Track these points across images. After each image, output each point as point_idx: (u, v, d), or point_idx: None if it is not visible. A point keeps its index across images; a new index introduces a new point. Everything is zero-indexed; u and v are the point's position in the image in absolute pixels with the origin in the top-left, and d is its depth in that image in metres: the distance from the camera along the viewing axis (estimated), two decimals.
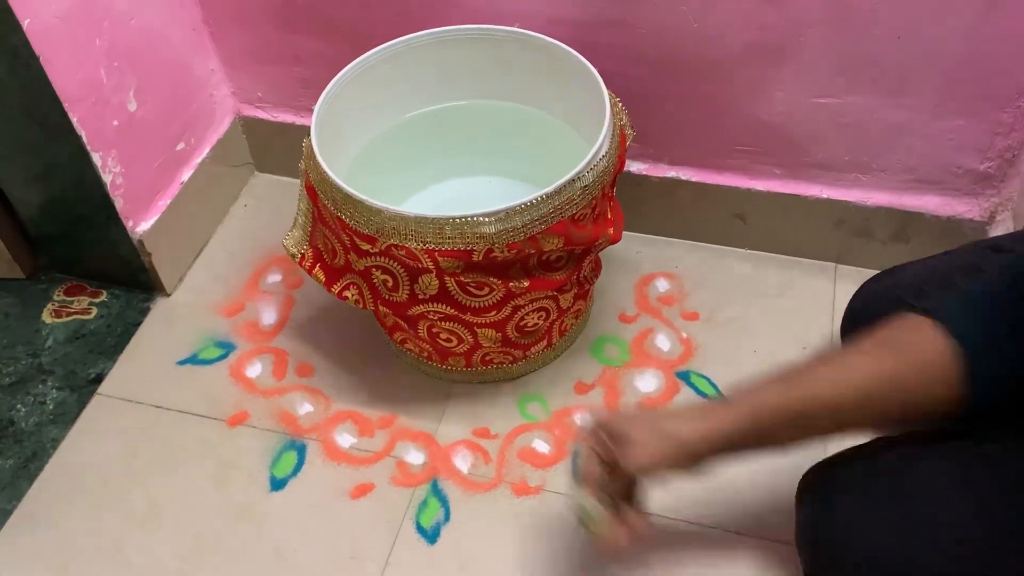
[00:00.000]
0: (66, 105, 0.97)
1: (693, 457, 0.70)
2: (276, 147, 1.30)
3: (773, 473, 0.91)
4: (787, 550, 0.89)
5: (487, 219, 0.84)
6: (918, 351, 0.66)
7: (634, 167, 1.14)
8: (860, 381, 0.68)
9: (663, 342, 1.10)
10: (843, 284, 1.04)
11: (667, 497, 0.96)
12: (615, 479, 0.72)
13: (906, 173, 1.06)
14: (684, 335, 1.11)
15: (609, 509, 0.72)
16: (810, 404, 0.68)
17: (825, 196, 1.10)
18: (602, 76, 0.96)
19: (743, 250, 1.19)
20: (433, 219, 0.84)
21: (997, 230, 1.05)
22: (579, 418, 1.02)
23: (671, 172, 1.14)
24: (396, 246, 0.86)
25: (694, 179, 1.13)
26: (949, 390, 0.65)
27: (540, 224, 0.86)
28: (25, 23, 0.90)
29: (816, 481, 0.78)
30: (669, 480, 0.71)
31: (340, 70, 0.99)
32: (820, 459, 0.79)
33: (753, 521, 0.94)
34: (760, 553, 0.92)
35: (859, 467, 0.75)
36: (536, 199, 0.85)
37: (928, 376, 0.66)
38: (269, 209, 1.30)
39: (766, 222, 1.15)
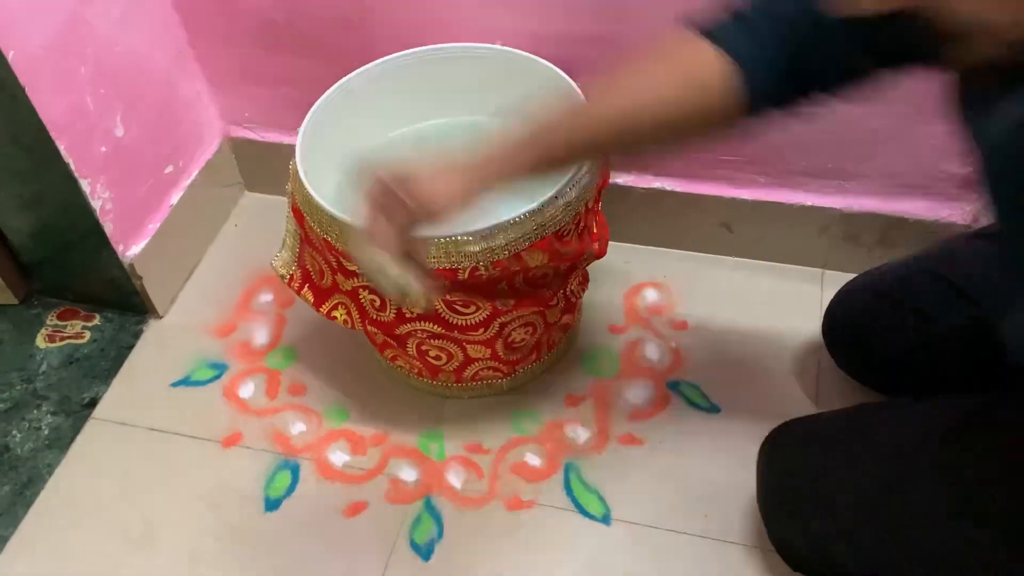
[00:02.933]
0: (53, 133, 0.98)
1: (483, 181, 0.70)
2: (265, 167, 1.30)
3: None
4: (773, 557, 0.90)
5: (471, 238, 0.85)
6: (690, 65, 0.68)
7: (620, 178, 1.15)
8: (640, 100, 0.69)
9: (653, 352, 1.11)
10: (830, 290, 1.04)
11: (650, 507, 0.97)
12: (403, 233, 0.68)
13: (889, 179, 1.07)
14: (673, 345, 1.11)
15: (408, 269, 0.68)
16: (595, 125, 0.71)
17: (810, 203, 1.11)
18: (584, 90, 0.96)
19: (731, 258, 1.19)
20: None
21: None
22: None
23: (656, 183, 1.15)
24: None
25: (679, 189, 1.14)
26: (725, 102, 0.68)
27: (524, 241, 0.87)
28: (10, 55, 0.91)
29: (768, 444, 0.88)
30: (454, 217, 0.69)
31: (326, 88, 1.00)
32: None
33: (738, 527, 0.95)
34: (748, 558, 0.93)
35: (803, 425, 0.87)
36: (519, 217, 0.86)
37: (704, 91, 0.68)
38: (260, 228, 1.31)
39: (752, 230, 1.16)
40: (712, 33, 0.68)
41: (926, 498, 0.74)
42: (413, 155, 0.70)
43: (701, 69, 0.68)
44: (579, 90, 0.96)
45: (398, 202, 0.67)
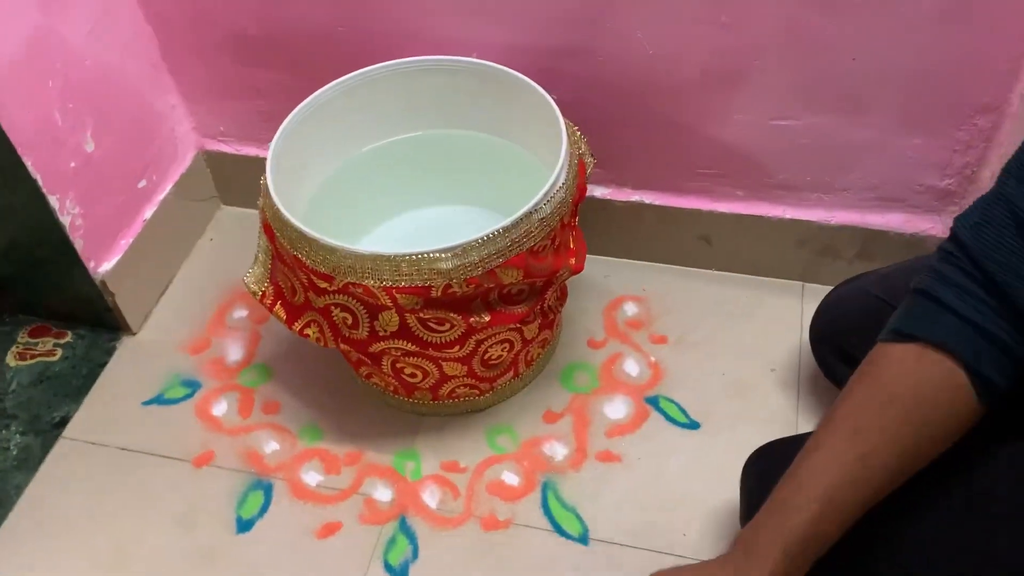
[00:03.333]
0: (19, 149, 0.96)
1: None
2: (241, 180, 1.29)
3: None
4: None
5: (443, 255, 0.84)
6: (925, 393, 0.61)
7: (598, 191, 1.14)
8: (888, 461, 0.61)
9: (632, 367, 1.10)
10: (810, 303, 1.04)
11: (628, 526, 0.95)
12: None
13: (868, 191, 1.06)
14: (653, 359, 1.10)
15: None
16: (848, 507, 0.62)
17: (788, 216, 1.10)
18: (562, 104, 0.95)
19: (710, 271, 1.19)
20: (389, 257, 0.84)
21: None
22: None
23: (635, 196, 1.14)
24: (354, 284, 0.85)
25: (658, 202, 1.13)
26: (969, 411, 0.61)
27: (498, 258, 0.85)
28: None
29: (754, 465, 0.82)
30: None
31: (301, 100, 0.99)
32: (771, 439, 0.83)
33: (719, 545, 0.93)
34: None
35: (790, 448, 0.74)
36: (493, 233, 0.85)
37: (947, 413, 0.61)
38: (235, 243, 1.29)
39: (731, 243, 1.15)
40: (910, 331, 0.62)
41: (928, 526, 0.68)
42: None
43: (920, 387, 0.61)
44: (557, 109, 0.94)
45: None
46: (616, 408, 1.06)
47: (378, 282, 0.85)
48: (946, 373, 0.61)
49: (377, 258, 0.84)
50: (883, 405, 0.62)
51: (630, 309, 1.16)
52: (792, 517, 0.62)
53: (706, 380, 1.08)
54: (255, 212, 1.30)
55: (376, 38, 1.06)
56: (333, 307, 0.91)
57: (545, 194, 0.87)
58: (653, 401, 1.06)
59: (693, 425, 1.04)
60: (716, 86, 1.00)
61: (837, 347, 0.95)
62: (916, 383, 0.61)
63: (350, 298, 0.88)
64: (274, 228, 0.91)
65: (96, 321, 1.18)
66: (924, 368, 0.61)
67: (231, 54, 1.14)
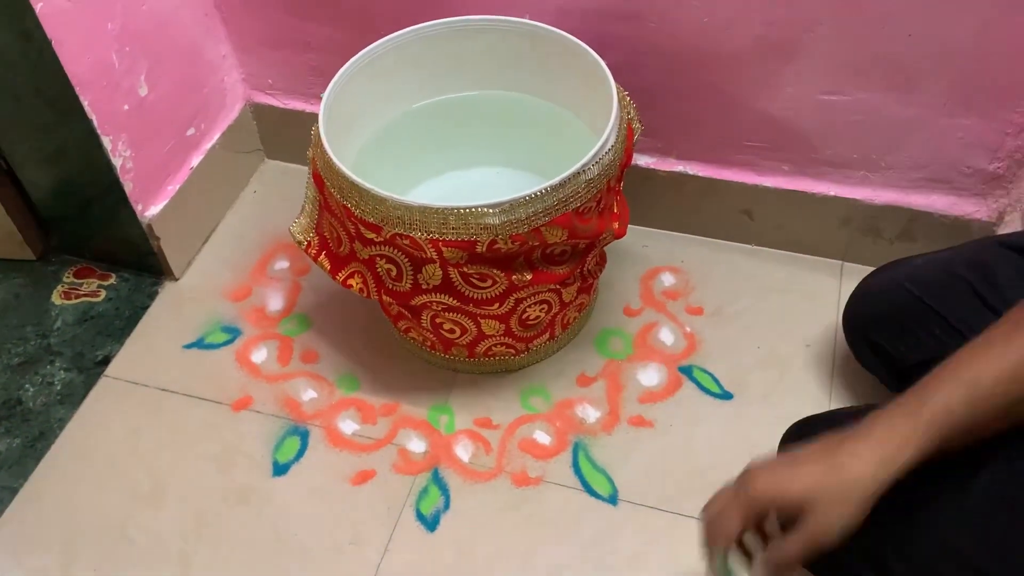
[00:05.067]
0: (77, 88, 0.98)
1: (878, 496, 0.63)
2: (286, 134, 1.30)
3: None
4: None
5: (491, 210, 0.85)
6: None
7: (642, 160, 1.14)
8: None
9: (667, 336, 1.11)
10: (848, 282, 1.04)
11: (657, 489, 0.97)
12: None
13: (914, 171, 1.05)
14: (688, 329, 1.11)
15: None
16: (988, 395, 0.62)
17: (833, 193, 1.10)
18: (611, 68, 0.95)
19: (749, 246, 1.19)
20: (437, 209, 0.85)
21: (1005, 231, 1.04)
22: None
23: (679, 166, 1.14)
24: (400, 235, 0.87)
25: (702, 174, 1.13)
26: None
27: (544, 216, 0.86)
28: (38, 6, 0.91)
29: (791, 440, 0.82)
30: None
31: (350, 57, 0.99)
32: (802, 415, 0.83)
33: None
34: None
35: (826, 429, 0.74)
36: (540, 191, 0.85)
37: None
38: (278, 196, 1.31)
39: (773, 218, 1.15)
40: None
41: (964, 518, 0.67)
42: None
43: None
44: (608, 72, 0.95)
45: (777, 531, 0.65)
46: (650, 375, 1.07)
47: (425, 234, 0.86)
48: None
49: (426, 210, 0.85)
50: None
51: (667, 280, 1.17)
52: (935, 395, 0.61)
53: (740, 352, 1.08)
54: (298, 167, 1.33)
55: None
56: (378, 258, 0.92)
57: (593, 156, 0.88)
58: (687, 370, 1.07)
59: (726, 396, 1.05)
60: (768, 57, 1.00)
61: (867, 338, 0.95)
62: None
63: (396, 250, 0.89)
64: (324, 177, 0.92)
65: (140, 265, 1.21)
66: None
67: (284, 6, 1.14)
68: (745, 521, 0.66)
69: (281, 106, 1.27)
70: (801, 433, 0.83)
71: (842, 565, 0.74)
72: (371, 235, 0.89)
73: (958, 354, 0.64)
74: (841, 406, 1.00)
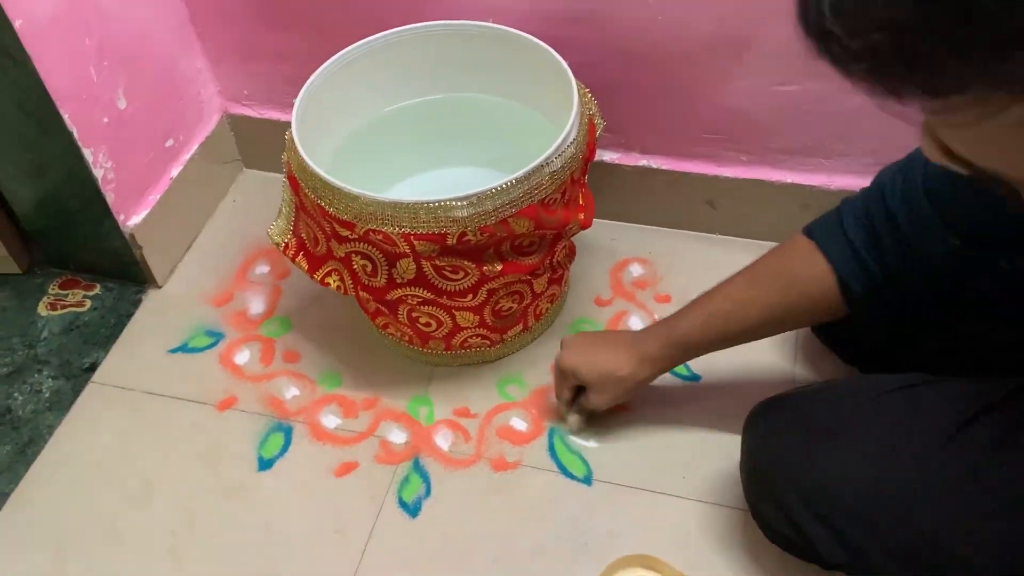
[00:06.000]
0: (57, 102, 1.01)
1: (637, 388, 0.95)
2: (263, 144, 1.34)
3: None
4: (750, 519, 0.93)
5: (459, 203, 0.88)
6: (805, 282, 0.82)
7: (607, 156, 1.18)
8: (758, 314, 0.86)
9: (637, 324, 1.14)
10: None
11: (630, 469, 1.00)
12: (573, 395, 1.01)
13: (868, 156, 1.10)
14: (656, 317, 1.14)
15: (575, 412, 1.02)
16: (717, 326, 0.88)
17: (790, 180, 1.14)
18: (573, 68, 1.00)
19: (714, 235, 1.23)
20: (408, 204, 0.88)
21: None
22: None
23: (643, 160, 1.18)
24: (374, 231, 0.90)
25: (665, 167, 1.18)
26: (832, 309, 0.82)
27: (511, 208, 0.90)
28: (17, 23, 0.94)
29: (756, 419, 0.87)
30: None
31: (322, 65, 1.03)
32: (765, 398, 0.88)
33: (716, 489, 0.98)
34: (726, 519, 0.96)
35: (792, 407, 0.85)
36: (506, 184, 0.89)
37: (814, 302, 0.82)
38: (257, 204, 1.34)
39: (735, 207, 1.19)
40: (816, 236, 0.82)
41: (940, 497, 0.71)
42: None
43: (804, 276, 0.81)
44: (568, 70, 0.99)
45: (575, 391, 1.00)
46: None
47: (397, 229, 0.89)
48: (824, 273, 0.80)
49: (397, 205, 0.89)
50: (775, 274, 0.85)
51: (636, 270, 1.21)
52: (686, 320, 0.90)
53: None
54: (276, 176, 1.35)
55: (398, 4, 1.10)
56: (354, 255, 0.95)
57: (556, 149, 0.92)
58: None
59: (694, 377, 1.08)
60: (722, 52, 1.04)
61: None
62: (803, 271, 0.82)
63: (370, 246, 0.93)
64: (299, 179, 0.96)
65: (124, 274, 1.24)
66: (813, 263, 0.81)
67: (257, 17, 1.18)
68: (562, 384, 1.00)
69: (257, 116, 1.31)
70: (766, 411, 0.87)
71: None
72: (345, 232, 0.92)
73: (712, 288, 0.89)
74: (804, 384, 1.04)
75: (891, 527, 0.72)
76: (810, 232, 0.83)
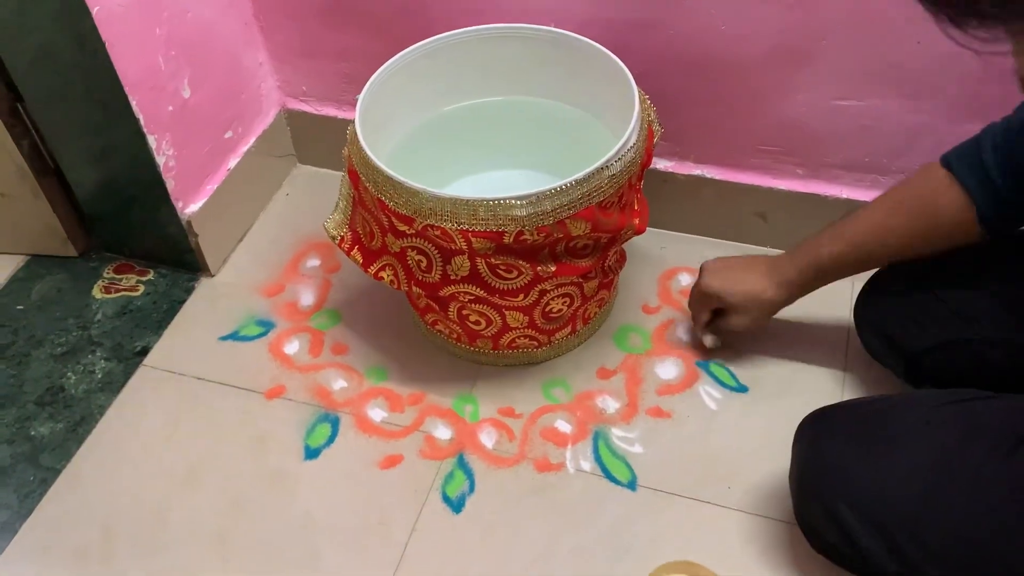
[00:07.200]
0: (127, 89, 1.04)
1: (775, 310, 1.02)
2: (318, 140, 1.36)
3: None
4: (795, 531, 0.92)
5: (519, 202, 0.89)
6: (943, 211, 0.85)
7: (661, 164, 1.19)
8: (897, 242, 0.90)
9: (684, 332, 1.15)
10: (860, 283, 1.07)
11: (675, 477, 1.00)
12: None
13: None
14: None
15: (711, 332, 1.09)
16: (855, 254, 0.92)
17: (844, 196, 1.14)
18: (633, 75, 1.00)
19: (764, 248, 1.23)
20: (468, 201, 0.89)
21: None
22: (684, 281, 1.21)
23: (696, 170, 1.19)
24: (432, 226, 0.91)
25: (718, 177, 1.18)
26: (970, 236, 0.85)
27: (569, 209, 0.91)
28: (95, 10, 0.96)
29: (808, 428, 0.86)
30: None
31: (381, 65, 1.05)
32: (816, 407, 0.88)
33: (760, 501, 0.98)
34: (771, 530, 0.95)
35: (845, 417, 0.84)
36: (566, 185, 0.90)
37: (952, 231, 0.86)
38: (309, 199, 1.36)
39: (787, 221, 1.19)
40: (952, 165, 0.85)
41: (996, 510, 0.71)
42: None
43: (938, 203, 0.86)
44: (630, 75, 1.00)
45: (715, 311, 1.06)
46: (667, 369, 1.11)
47: (455, 225, 0.90)
48: (961, 205, 0.84)
49: (456, 202, 0.90)
50: (916, 201, 0.89)
51: (684, 279, 1.21)
52: (825, 246, 0.94)
53: (755, 348, 1.12)
54: (328, 171, 1.39)
55: (457, 5, 1.12)
56: (409, 250, 0.96)
57: (616, 152, 0.93)
58: (703, 365, 1.11)
59: (741, 389, 1.08)
60: (783, 64, 1.04)
61: (878, 330, 0.99)
62: (941, 199, 0.86)
63: (426, 241, 0.94)
64: (360, 173, 0.97)
65: (177, 262, 1.26)
66: (951, 192, 0.85)
67: (319, 16, 1.20)
68: (702, 306, 1.06)
69: (314, 112, 1.33)
70: (818, 421, 0.87)
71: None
72: (403, 227, 0.94)
73: (848, 216, 0.93)
74: (853, 397, 1.04)
75: (945, 539, 0.72)
76: (948, 163, 0.86)
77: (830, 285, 1.18)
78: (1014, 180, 0.80)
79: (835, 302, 1.14)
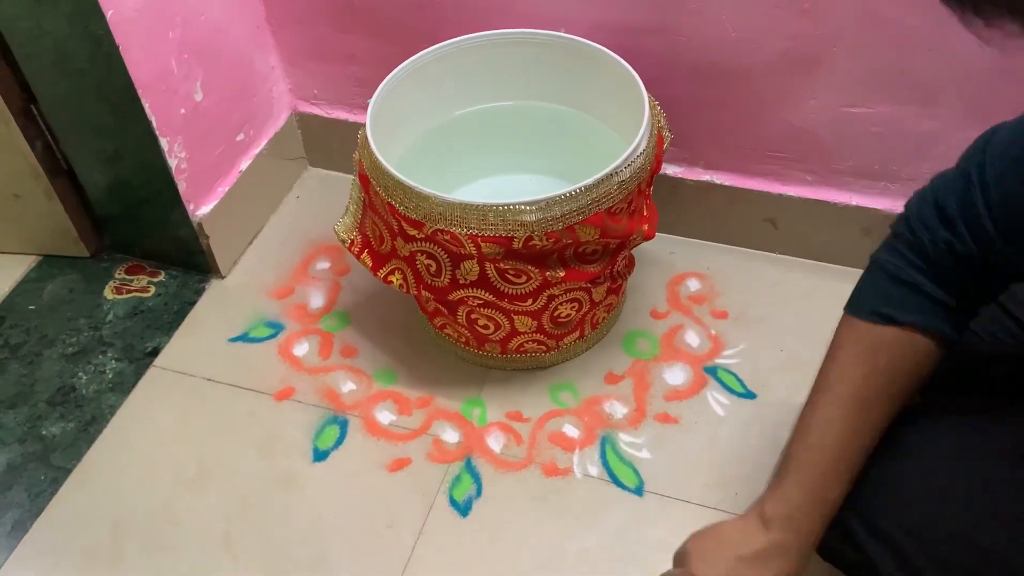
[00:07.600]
0: (139, 91, 1.04)
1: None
2: (329, 143, 1.36)
3: None
4: None
5: (528, 207, 0.90)
6: (914, 366, 0.73)
7: (670, 170, 1.19)
8: (882, 430, 0.74)
9: (692, 338, 1.15)
10: None
11: (682, 482, 1.00)
12: None
13: None
14: (713, 332, 1.15)
15: None
16: (828, 480, 0.73)
17: (854, 203, 1.14)
18: (642, 81, 1.01)
19: (773, 254, 1.23)
20: (477, 206, 0.90)
21: None
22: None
23: (706, 176, 1.19)
24: (441, 231, 0.92)
25: (728, 183, 1.18)
26: (939, 361, 0.73)
27: (578, 215, 0.91)
28: (108, 13, 0.97)
29: None
30: None
31: (392, 69, 1.05)
32: None
33: None
34: None
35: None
36: (575, 191, 0.90)
37: (924, 374, 0.73)
38: (320, 202, 1.37)
39: (797, 227, 1.19)
40: (892, 316, 0.73)
41: (1007, 521, 0.69)
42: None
43: (905, 361, 0.72)
44: (640, 81, 1.00)
45: None
46: (675, 375, 1.11)
47: (465, 230, 0.91)
48: (929, 347, 0.72)
49: (466, 207, 0.90)
50: (888, 382, 0.73)
51: (693, 285, 1.21)
52: (833, 489, 0.73)
53: (764, 355, 1.12)
54: (339, 175, 1.39)
55: (468, 10, 1.12)
56: (419, 254, 0.97)
57: (626, 159, 0.93)
58: (711, 371, 1.11)
59: (749, 395, 1.08)
60: (793, 71, 1.04)
61: None
62: (910, 360, 0.73)
63: (436, 246, 0.94)
64: (371, 177, 0.97)
65: (188, 263, 1.27)
66: (915, 346, 0.72)
67: (331, 20, 1.21)
68: None
69: (325, 115, 1.34)
70: None
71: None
72: (413, 231, 0.94)
73: (803, 439, 0.75)
74: None
75: (954, 549, 0.71)
76: (882, 316, 0.74)
77: (836, 293, 1.18)
78: (960, 287, 0.71)
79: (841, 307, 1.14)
